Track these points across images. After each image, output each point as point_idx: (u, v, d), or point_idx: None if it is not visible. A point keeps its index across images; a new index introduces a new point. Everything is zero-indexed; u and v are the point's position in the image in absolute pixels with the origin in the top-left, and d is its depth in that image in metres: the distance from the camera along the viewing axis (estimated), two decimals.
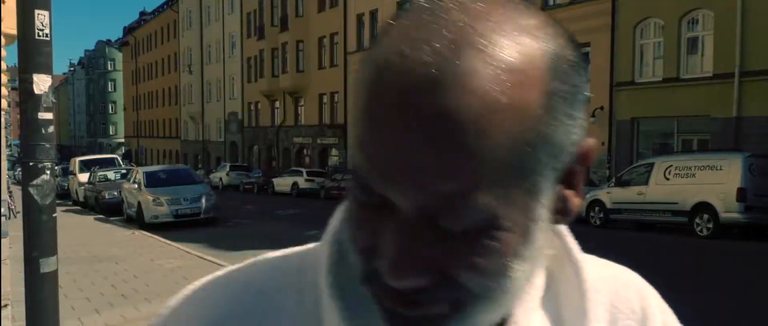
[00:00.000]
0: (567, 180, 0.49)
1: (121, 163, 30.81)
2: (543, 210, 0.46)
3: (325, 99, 40.98)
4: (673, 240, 13.94)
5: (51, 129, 2.43)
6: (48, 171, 2.40)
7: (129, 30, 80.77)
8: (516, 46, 0.43)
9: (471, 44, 0.42)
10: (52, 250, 2.42)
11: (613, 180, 17.71)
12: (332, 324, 0.51)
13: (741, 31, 18.47)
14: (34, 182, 2.32)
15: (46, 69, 2.41)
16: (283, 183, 34.23)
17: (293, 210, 23.10)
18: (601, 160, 22.58)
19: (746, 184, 13.95)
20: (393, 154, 0.42)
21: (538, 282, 0.55)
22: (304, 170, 34.70)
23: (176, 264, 9.32)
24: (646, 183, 15.97)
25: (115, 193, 20.45)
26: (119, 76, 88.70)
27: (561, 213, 0.49)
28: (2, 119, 2.43)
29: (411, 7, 0.46)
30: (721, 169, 14.49)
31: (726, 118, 18.98)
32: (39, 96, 2.39)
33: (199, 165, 52.74)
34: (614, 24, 22.17)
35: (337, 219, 0.56)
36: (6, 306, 2.33)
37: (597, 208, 17.05)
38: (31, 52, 2.37)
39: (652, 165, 16.38)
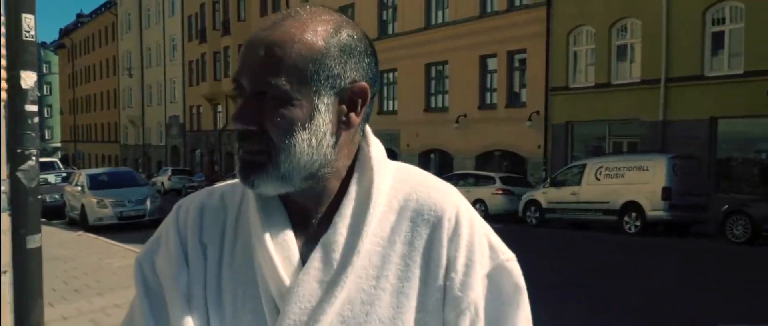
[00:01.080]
0: (348, 103, 0.87)
1: (61, 166, 30.05)
2: (324, 108, 0.84)
3: None
4: (604, 238, 14.74)
5: (36, 120, 2.69)
6: (33, 158, 2.66)
7: (65, 32, 78.37)
8: (311, 22, 0.85)
9: (288, 18, 0.85)
10: (37, 229, 2.68)
11: (548, 181, 18.49)
12: (251, 212, 0.90)
13: (666, 39, 19.60)
14: (22, 167, 2.57)
15: (32, 66, 2.66)
16: None
17: None
18: (537, 162, 23.46)
19: (670, 184, 14.88)
20: (247, 61, 0.84)
21: (343, 166, 0.91)
22: None
23: (124, 262, 9.41)
24: (578, 183, 16.79)
25: (57, 196, 20.06)
26: (55, 79, 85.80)
27: (345, 124, 0.87)
28: (2, 111, 2.66)
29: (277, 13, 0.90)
30: (647, 170, 15.40)
31: (653, 121, 20.06)
32: (26, 90, 2.65)
33: (140, 170, 51.66)
34: (549, 31, 23.08)
35: None
36: (6, 272, 2.57)
37: (533, 208, 17.80)
38: (19, 51, 2.62)
39: (584, 166, 17.22)
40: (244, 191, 0.94)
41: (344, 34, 0.87)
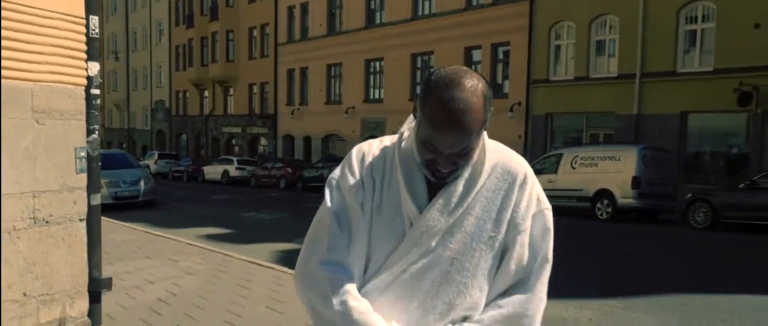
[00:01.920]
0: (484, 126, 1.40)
1: None
2: (483, 137, 1.45)
3: (255, 89, 41.30)
4: (578, 223, 15.54)
5: (98, 101, 3.32)
6: (96, 132, 3.29)
7: None
8: (479, 91, 1.38)
9: (468, 111, 1.35)
10: (98, 189, 3.33)
11: None
12: (398, 166, 1.49)
13: (642, 35, 20.43)
14: (89, 139, 3.21)
15: (96, 58, 3.30)
16: (213, 171, 34.51)
17: (226, 196, 23.73)
18: (518, 152, 24.20)
19: (640, 174, 15.72)
20: (446, 139, 1.37)
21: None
22: (234, 159, 35.08)
23: (126, 237, 10.02)
24: (555, 172, 17.57)
25: None
26: None
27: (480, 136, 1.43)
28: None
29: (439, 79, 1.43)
30: (619, 160, 16.22)
31: (628, 114, 20.92)
32: (92, 77, 3.28)
33: None
34: (532, 25, 23.81)
35: (405, 134, 1.55)
36: (82, 220, 3.19)
37: None
38: (88, 46, 3.24)
39: (560, 155, 18.01)
40: (394, 148, 1.52)
41: (488, 92, 1.44)
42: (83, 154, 3.06)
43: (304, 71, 36.51)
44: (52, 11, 2.82)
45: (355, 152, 1.55)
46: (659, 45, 20.00)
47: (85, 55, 3.06)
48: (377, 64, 31.07)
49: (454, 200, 1.46)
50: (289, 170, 28.99)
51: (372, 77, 31.62)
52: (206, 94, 46.08)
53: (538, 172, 18.02)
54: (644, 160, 15.95)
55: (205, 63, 44.46)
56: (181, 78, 48.10)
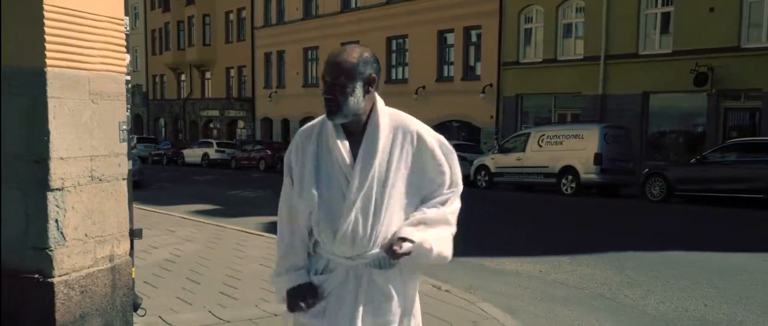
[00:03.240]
0: (366, 84, 2.05)
1: None
2: (359, 88, 2.03)
3: (233, 72, 41.71)
4: (543, 198, 16.58)
5: (129, 86, 4.10)
6: (129, 110, 4.07)
7: None
8: (352, 55, 2.05)
9: (343, 53, 2.07)
10: (129, 158, 4.12)
11: (497, 148, 20.23)
12: (330, 133, 2.13)
13: (606, 19, 21.41)
14: (120, 120, 3.99)
15: (127, 51, 4.06)
16: (193, 154, 35.02)
17: (209, 177, 24.42)
18: (490, 131, 25.22)
19: (601, 150, 16.76)
20: (328, 72, 2.04)
21: (368, 113, 2.12)
22: (214, 141, 35.62)
23: None
24: (523, 150, 18.55)
25: None
26: None
27: (368, 91, 2.06)
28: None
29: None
30: (582, 138, 17.24)
31: (594, 95, 21.98)
32: (127, 66, 4.04)
33: None
34: (502, 9, 24.67)
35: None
36: (125, 179, 3.96)
37: (483, 172, 19.54)
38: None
39: (528, 134, 18.99)
40: (322, 122, 2.13)
41: (365, 54, 2.06)
42: (124, 127, 3.86)
43: (281, 54, 37.03)
44: (101, 15, 3.59)
45: (296, 135, 2.23)
46: (622, 28, 21.01)
47: (124, 49, 3.84)
48: None
49: (369, 151, 2.07)
50: (269, 152, 29.65)
51: None
52: (183, 77, 46.33)
53: (506, 150, 19.09)
54: (606, 138, 16.97)
55: (181, 47, 44.65)
56: (157, 62, 48.23)
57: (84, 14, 3.48)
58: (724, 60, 18.37)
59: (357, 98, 2.05)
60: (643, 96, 20.81)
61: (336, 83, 2.03)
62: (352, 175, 2.06)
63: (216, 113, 43.21)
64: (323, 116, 2.14)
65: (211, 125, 44.35)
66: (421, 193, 2.15)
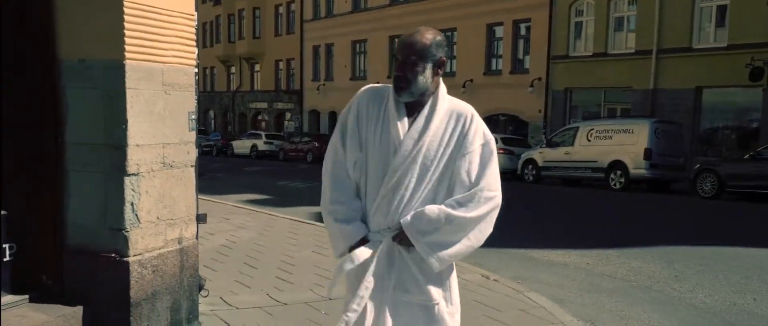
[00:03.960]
0: (436, 67, 2.22)
1: None
2: (429, 69, 2.19)
3: (282, 65, 42.34)
4: (591, 192, 16.45)
5: (197, 78, 4.35)
6: (196, 101, 4.34)
7: None
8: (426, 37, 2.20)
9: (417, 33, 2.22)
10: (196, 144, 4.38)
11: (545, 142, 20.12)
12: (390, 106, 2.26)
13: (659, 12, 21.01)
14: (188, 110, 4.25)
15: (195, 45, 4.32)
16: (242, 145, 35.74)
17: (258, 168, 24.96)
18: (538, 125, 25.05)
19: (652, 146, 16.51)
20: (401, 51, 2.21)
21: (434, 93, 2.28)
22: (262, 133, 36.28)
23: None
24: (572, 144, 18.41)
25: None
26: None
27: (436, 74, 2.23)
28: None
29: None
30: (632, 132, 17.01)
31: (644, 89, 21.61)
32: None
33: None
34: (552, 2, 24.42)
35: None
36: (193, 166, 4.23)
37: (530, 166, 19.46)
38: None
39: (577, 129, 18.83)
40: (389, 92, 2.22)
41: (437, 42, 2.17)
42: (193, 117, 4.11)
43: (329, 47, 37.42)
44: (175, 10, 3.83)
45: (361, 91, 2.32)
46: (675, 21, 20.59)
47: (194, 42, 4.09)
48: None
49: (420, 128, 2.17)
50: (316, 144, 30.05)
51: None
52: (233, 70, 47.22)
53: (554, 145, 18.99)
54: (656, 133, 16.71)
55: (232, 40, 45.52)
56: (208, 54, 49.18)
57: (160, 10, 3.73)
58: None
59: (426, 78, 2.15)
60: (695, 91, 20.39)
61: (407, 62, 2.13)
62: (399, 147, 2.15)
63: (264, 105, 43.93)
64: (391, 86, 2.25)
65: (260, 117, 45.11)
66: (453, 183, 2.20)
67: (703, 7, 20.35)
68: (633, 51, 22.14)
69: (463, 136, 2.19)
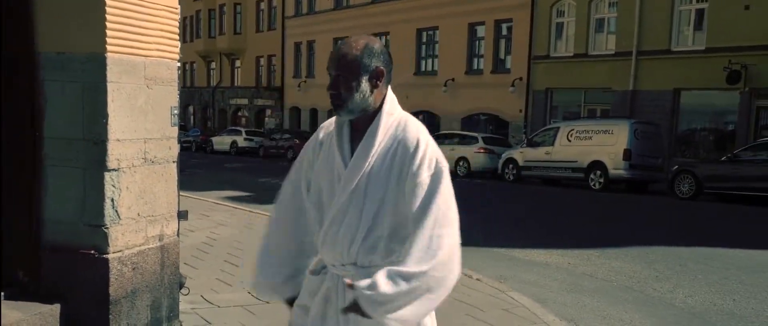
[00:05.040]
0: (373, 78, 1.89)
1: None
2: (364, 82, 1.88)
3: (263, 61, 42.07)
4: (571, 192, 16.56)
5: (179, 72, 4.27)
6: (178, 96, 4.27)
7: None
8: (356, 46, 1.89)
9: (347, 46, 1.91)
10: (178, 140, 4.30)
11: (525, 141, 20.20)
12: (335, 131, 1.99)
13: (640, 14, 21.20)
14: (171, 105, 4.18)
15: (178, 37, 4.25)
16: (222, 141, 35.45)
17: (238, 164, 24.79)
18: (519, 125, 25.17)
19: (631, 146, 16.66)
20: (332, 65, 1.90)
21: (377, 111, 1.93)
22: (242, 130, 36.01)
23: None
24: (552, 144, 18.51)
25: None
26: None
27: (376, 86, 1.90)
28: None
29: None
30: (612, 133, 17.15)
31: (624, 90, 21.80)
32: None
33: None
34: (534, 3, 24.52)
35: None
36: (175, 162, 4.16)
37: (511, 166, 19.53)
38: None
39: (557, 129, 18.94)
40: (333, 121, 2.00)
41: (370, 50, 1.89)
42: (176, 111, 4.04)
43: (311, 44, 37.27)
44: (158, 3, 3.76)
45: (321, 125, 2.14)
46: (655, 23, 20.79)
47: (177, 36, 4.02)
48: (383, 38, 31.80)
49: (362, 155, 1.90)
50: (297, 141, 29.89)
51: None
52: (213, 65, 46.82)
53: (535, 144, 19.08)
54: (636, 134, 16.87)
55: (212, 35, 45.14)
56: (188, 49, 48.57)
57: (142, 2, 3.65)
58: (758, 58, 18.07)
59: (363, 93, 1.89)
60: (674, 92, 20.61)
61: (339, 77, 1.90)
62: (342, 176, 1.92)
63: (245, 102, 43.63)
64: None
65: (240, 113, 44.80)
66: (399, 220, 1.90)
67: (683, 11, 20.59)
68: (613, 52, 22.31)
69: (407, 165, 1.86)
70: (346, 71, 1.88)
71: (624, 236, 9.09)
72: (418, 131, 1.91)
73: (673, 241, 8.58)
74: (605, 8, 22.94)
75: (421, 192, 1.84)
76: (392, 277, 1.77)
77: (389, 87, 1.98)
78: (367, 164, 1.88)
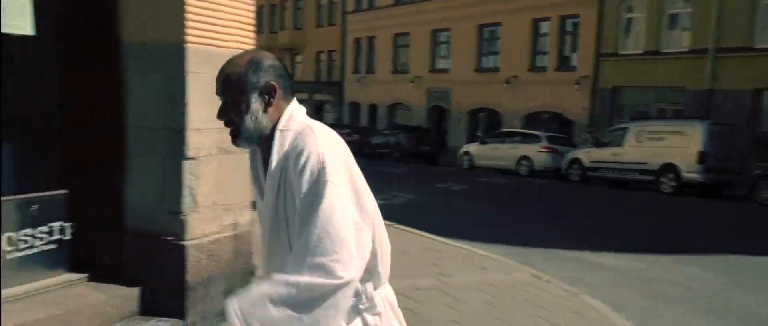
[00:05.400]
0: (264, 95, 1.67)
1: None
2: (254, 102, 1.66)
3: (323, 56, 42.40)
4: (642, 195, 16.00)
5: None
6: None
7: None
8: (239, 63, 1.68)
9: (229, 64, 1.70)
10: None
11: (591, 141, 19.62)
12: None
13: (718, 9, 20.22)
14: None
15: (253, 29, 4.27)
16: None
17: None
18: (582, 124, 24.53)
19: (707, 148, 15.92)
20: (218, 89, 1.70)
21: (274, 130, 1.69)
22: None
23: None
24: (620, 145, 17.89)
25: None
26: None
27: (269, 104, 1.68)
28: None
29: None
30: (686, 135, 16.42)
31: (699, 90, 20.85)
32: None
33: None
34: None
35: None
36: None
37: (576, 166, 19.04)
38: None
39: (626, 129, 18.31)
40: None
41: (256, 58, 1.69)
42: None
43: (371, 40, 37.33)
44: None
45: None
46: (735, 19, 19.73)
47: (253, 28, 4.04)
48: (444, 34, 31.58)
49: (265, 182, 1.74)
50: (356, 136, 30.04)
51: (438, 47, 32.17)
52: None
53: (602, 144, 18.51)
54: (711, 135, 16.10)
55: (274, 30, 45.74)
56: None
57: None
58: None
59: (254, 115, 1.68)
60: (754, 93, 19.60)
61: (227, 102, 1.69)
62: (262, 194, 1.80)
63: (304, 96, 44.00)
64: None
65: None
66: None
67: (766, 5, 19.52)
68: (687, 49, 21.41)
69: (291, 180, 1.65)
70: (233, 93, 1.67)
71: (700, 242, 8.70)
72: (306, 141, 1.65)
73: (754, 250, 8.15)
74: (679, 3, 22.04)
75: (304, 209, 1.59)
76: (266, 293, 1.57)
77: (294, 100, 1.77)
78: (268, 184, 1.71)
